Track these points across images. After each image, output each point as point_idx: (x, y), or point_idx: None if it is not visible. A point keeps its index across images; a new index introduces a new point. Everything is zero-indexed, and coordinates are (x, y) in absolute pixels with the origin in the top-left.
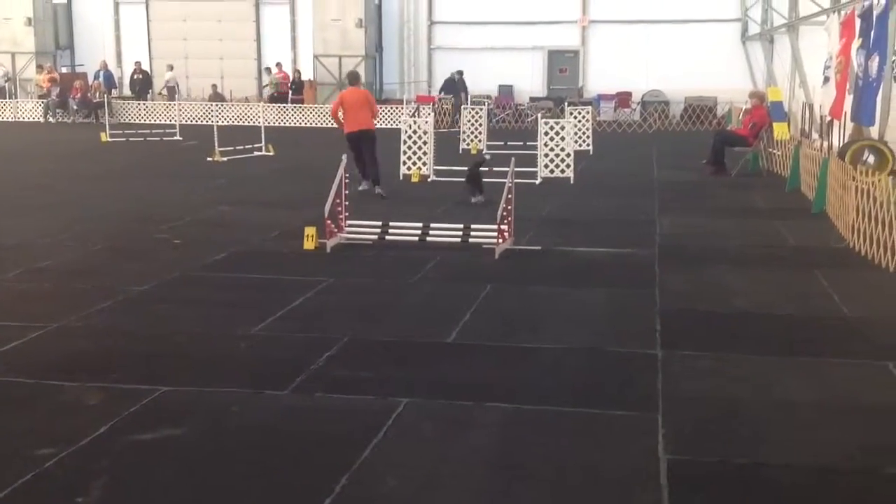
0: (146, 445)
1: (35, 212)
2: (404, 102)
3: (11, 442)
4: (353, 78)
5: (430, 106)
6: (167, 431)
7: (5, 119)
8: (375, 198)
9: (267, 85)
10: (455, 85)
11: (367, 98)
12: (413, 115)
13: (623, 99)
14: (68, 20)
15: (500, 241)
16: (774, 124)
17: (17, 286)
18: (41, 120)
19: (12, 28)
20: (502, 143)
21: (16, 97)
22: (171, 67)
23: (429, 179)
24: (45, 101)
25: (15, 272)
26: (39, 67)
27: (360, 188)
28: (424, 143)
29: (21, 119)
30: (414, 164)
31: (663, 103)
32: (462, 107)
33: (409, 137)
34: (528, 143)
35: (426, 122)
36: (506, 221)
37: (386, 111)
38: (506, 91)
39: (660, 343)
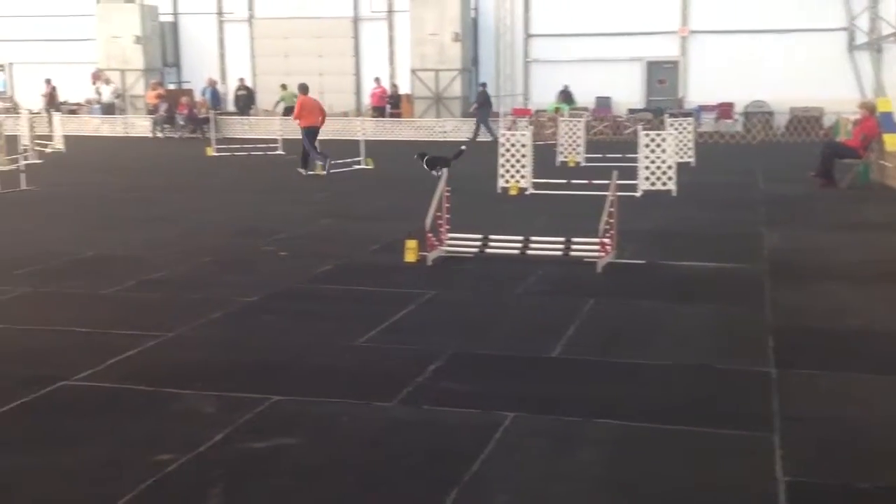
0: (260, 454)
1: (146, 224)
2: (500, 116)
3: (132, 448)
4: (305, 88)
5: (528, 119)
6: (280, 440)
7: (116, 134)
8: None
9: (280, 101)
10: (480, 97)
11: (319, 105)
12: (510, 128)
13: (724, 110)
14: (175, 38)
15: (603, 254)
16: (885, 135)
17: (133, 296)
18: (150, 135)
19: (122, 46)
20: (601, 155)
21: (126, 113)
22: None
23: (527, 192)
24: (153, 116)
25: (130, 282)
26: (155, 84)
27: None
28: (523, 156)
29: (130, 134)
30: (512, 177)
31: (767, 114)
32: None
33: (508, 150)
34: (626, 156)
35: (524, 135)
36: (608, 235)
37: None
38: (603, 103)
39: (773, 361)
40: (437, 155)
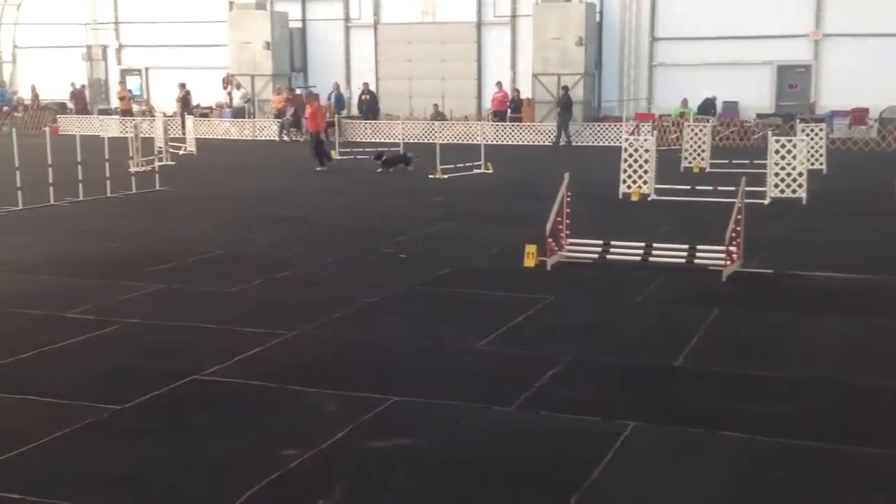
0: (381, 453)
1: (272, 224)
2: (623, 120)
3: (258, 442)
4: (315, 97)
5: (651, 123)
6: (400, 440)
7: (244, 137)
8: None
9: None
10: (562, 100)
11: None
12: (633, 133)
13: (859, 115)
14: (303, 43)
15: (729, 263)
16: None
17: (259, 294)
18: (276, 138)
19: (252, 52)
20: (726, 161)
21: (254, 117)
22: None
23: (649, 198)
24: (279, 120)
25: (257, 281)
26: (280, 89)
27: (319, 169)
28: (646, 161)
29: (258, 138)
30: (634, 182)
31: None
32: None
33: (630, 156)
34: (754, 162)
35: (646, 140)
36: (734, 243)
37: (604, 129)
38: (730, 107)
39: None
40: (394, 156)
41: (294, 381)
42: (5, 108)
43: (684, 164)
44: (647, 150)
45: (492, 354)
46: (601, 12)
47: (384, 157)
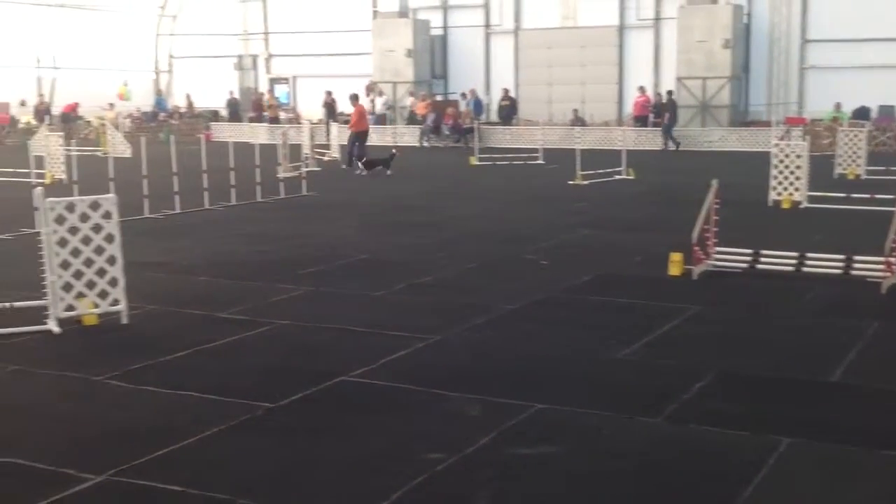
0: (525, 460)
1: (415, 229)
2: (772, 124)
3: (407, 444)
4: (357, 98)
5: (802, 128)
6: (544, 448)
7: (385, 143)
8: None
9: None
10: (666, 105)
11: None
12: (783, 138)
13: None
14: (443, 51)
15: (888, 274)
16: None
17: (403, 299)
18: (416, 144)
19: (394, 60)
20: (884, 168)
21: (395, 123)
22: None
23: (801, 206)
24: (420, 127)
25: (401, 285)
26: (424, 96)
27: (358, 172)
28: (797, 167)
29: (398, 144)
30: (785, 189)
31: None
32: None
33: (781, 161)
34: None
35: (798, 145)
36: (895, 254)
37: (752, 134)
38: (887, 112)
39: None
40: (374, 157)
41: (438, 385)
42: (162, 116)
43: (838, 170)
44: (798, 156)
45: (636, 364)
46: (749, 14)
47: (365, 160)
